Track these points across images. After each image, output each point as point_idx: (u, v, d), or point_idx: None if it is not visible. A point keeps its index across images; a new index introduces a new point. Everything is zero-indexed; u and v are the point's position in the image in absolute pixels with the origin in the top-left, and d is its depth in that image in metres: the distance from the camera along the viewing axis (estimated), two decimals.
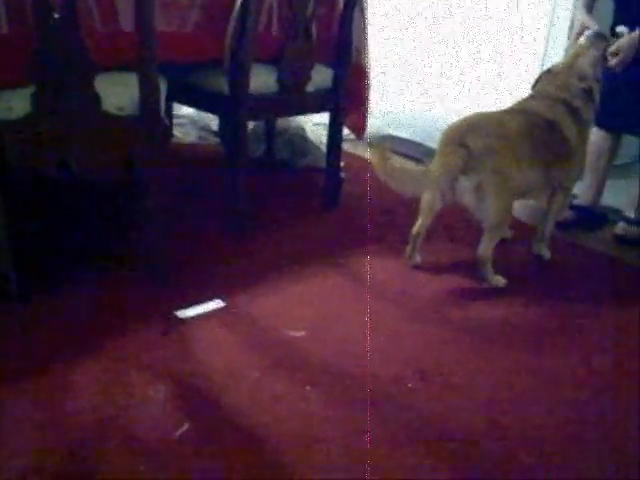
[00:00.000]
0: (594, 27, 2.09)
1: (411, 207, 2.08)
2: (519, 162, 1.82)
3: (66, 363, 1.43)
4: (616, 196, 2.52)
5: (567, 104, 1.97)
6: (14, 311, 1.60)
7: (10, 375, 1.38)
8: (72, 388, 1.36)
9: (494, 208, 1.82)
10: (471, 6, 3.07)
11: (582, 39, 2.08)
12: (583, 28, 2.12)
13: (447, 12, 3.16)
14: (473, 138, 1.78)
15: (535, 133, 1.88)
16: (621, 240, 2.32)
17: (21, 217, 1.78)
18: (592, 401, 1.44)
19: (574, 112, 1.98)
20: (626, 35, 2.03)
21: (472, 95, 3.09)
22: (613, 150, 2.40)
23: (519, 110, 1.97)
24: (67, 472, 1.15)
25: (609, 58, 2.04)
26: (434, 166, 1.83)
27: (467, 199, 1.83)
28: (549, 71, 2.08)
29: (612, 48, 2.04)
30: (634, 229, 2.32)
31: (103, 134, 1.63)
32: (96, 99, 1.57)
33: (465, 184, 1.80)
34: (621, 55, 2.02)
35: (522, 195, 2.00)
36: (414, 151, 3.13)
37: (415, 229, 2.00)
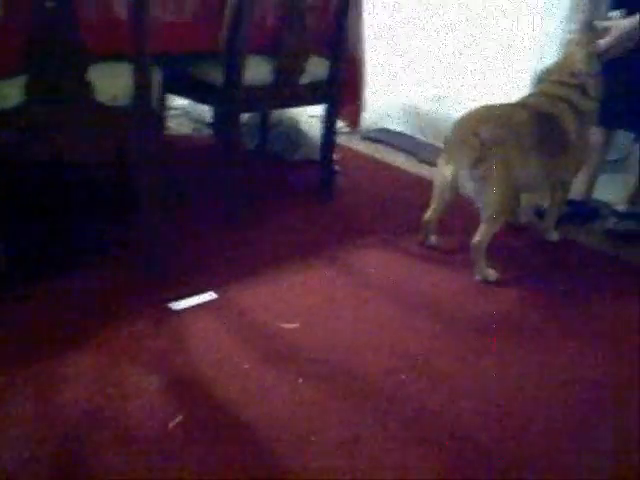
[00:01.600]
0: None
1: (405, 199, 2.07)
2: (524, 155, 1.87)
3: (56, 354, 1.42)
4: (608, 191, 2.53)
5: (566, 100, 2.01)
6: (4, 302, 1.60)
7: (0, 366, 1.38)
8: (63, 379, 1.35)
9: (496, 199, 1.84)
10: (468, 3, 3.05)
11: (573, 35, 2.09)
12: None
13: (444, 7, 3.14)
14: (485, 128, 1.82)
15: (538, 127, 1.92)
16: (612, 234, 2.33)
17: (15, 207, 1.77)
18: (593, 399, 1.43)
19: (573, 108, 2.01)
20: (619, 18, 2.01)
21: (465, 90, 3.08)
22: (606, 145, 2.41)
23: (522, 104, 2.01)
24: (60, 463, 1.15)
25: (599, 42, 2.02)
26: (450, 156, 1.89)
27: (470, 188, 1.86)
28: (547, 70, 2.12)
29: (603, 24, 2.01)
30: (624, 223, 2.33)
31: (96, 123, 1.62)
32: (90, 88, 1.56)
33: (472, 173, 1.83)
34: (612, 35, 1.98)
35: (523, 188, 2.01)
36: (407, 145, 3.13)
37: (426, 216, 2.06)
